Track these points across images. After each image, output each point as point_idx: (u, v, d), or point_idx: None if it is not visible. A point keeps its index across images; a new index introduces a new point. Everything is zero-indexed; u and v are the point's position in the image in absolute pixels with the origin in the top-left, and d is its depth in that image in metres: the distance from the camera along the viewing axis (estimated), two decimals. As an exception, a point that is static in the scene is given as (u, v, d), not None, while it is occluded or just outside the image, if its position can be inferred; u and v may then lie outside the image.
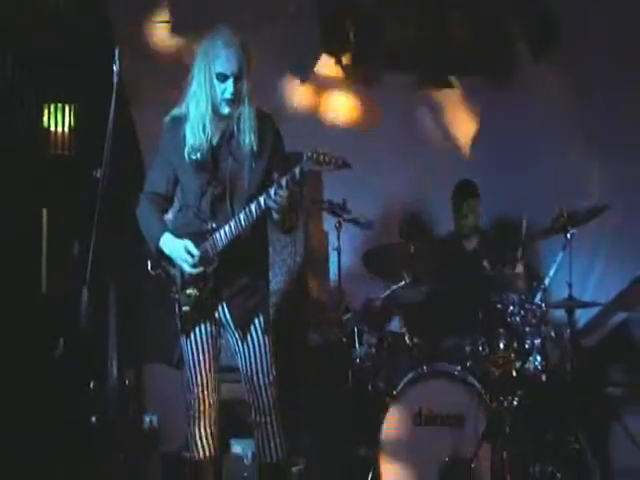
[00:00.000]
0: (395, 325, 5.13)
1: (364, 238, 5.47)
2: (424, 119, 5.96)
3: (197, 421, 3.92)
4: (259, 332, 3.84)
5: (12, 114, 5.10)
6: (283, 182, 3.59)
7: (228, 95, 3.69)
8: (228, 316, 3.84)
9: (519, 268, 5.43)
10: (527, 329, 4.63)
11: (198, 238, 3.78)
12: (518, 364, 4.59)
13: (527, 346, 4.61)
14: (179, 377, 4.23)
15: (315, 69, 5.87)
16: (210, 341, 3.90)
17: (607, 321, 5.73)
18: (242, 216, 3.69)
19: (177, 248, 3.78)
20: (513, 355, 4.62)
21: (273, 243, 5.21)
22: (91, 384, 4.69)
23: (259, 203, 3.65)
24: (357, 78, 5.93)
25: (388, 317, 5.26)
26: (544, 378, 4.66)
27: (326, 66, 5.90)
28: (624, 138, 5.80)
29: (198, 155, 3.78)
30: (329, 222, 5.31)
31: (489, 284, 5.19)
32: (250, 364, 3.83)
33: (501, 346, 4.64)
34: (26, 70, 5.12)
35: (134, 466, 4.77)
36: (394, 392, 4.56)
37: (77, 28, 5.46)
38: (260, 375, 3.83)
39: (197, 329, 3.87)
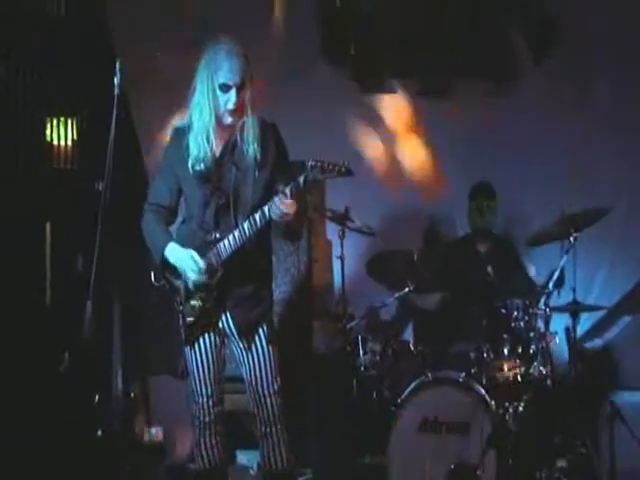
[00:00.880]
0: (408, 333, 5.13)
1: (367, 245, 5.47)
2: (426, 124, 5.96)
3: (202, 432, 3.92)
4: (263, 341, 3.84)
5: (15, 128, 5.11)
6: (287, 191, 3.59)
7: (231, 106, 3.70)
8: (232, 326, 3.84)
9: (523, 274, 5.46)
10: (531, 334, 4.63)
11: (202, 249, 3.78)
12: (523, 369, 4.59)
13: (532, 351, 4.61)
14: (184, 388, 4.23)
15: (316, 77, 5.88)
16: (214, 352, 3.90)
17: (612, 325, 5.73)
18: (246, 225, 3.69)
19: (183, 257, 3.78)
20: (518, 361, 4.62)
21: (276, 252, 5.22)
22: (96, 397, 4.69)
23: (263, 212, 3.66)
24: (359, 85, 5.94)
25: (400, 326, 5.27)
26: (549, 383, 4.65)
27: (327, 74, 5.91)
28: (627, 140, 5.80)
29: (202, 166, 3.78)
30: (332, 230, 5.31)
31: (493, 290, 5.19)
32: (254, 374, 3.83)
33: (505, 352, 4.64)
34: (28, 83, 5.14)
35: (140, 478, 4.77)
36: (399, 400, 4.55)
37: (79, 41, 5.47)
38: (264, 385, 3.83)
39: (201, 340, 3.87)
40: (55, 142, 5.41)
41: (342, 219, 4.99)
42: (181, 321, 3.86)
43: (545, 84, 5.86)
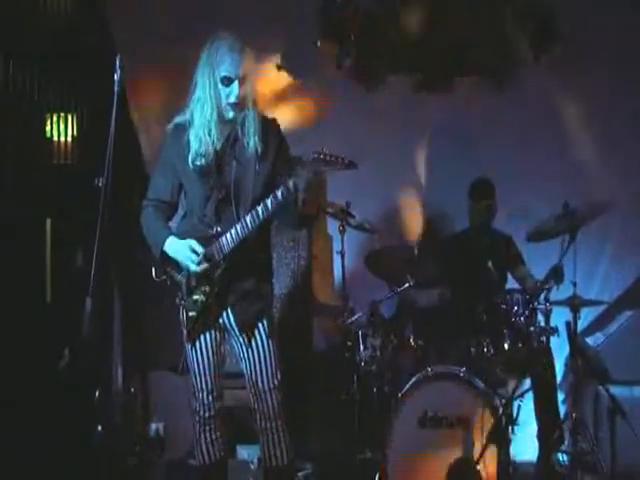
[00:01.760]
0: (408, 329, 5.13)
1: (368, 241, 5.47)
2: (426, 119, 5.96)
3: (202, 427, 3.92)
4: (263, 337, 3.84)
5: (15, 124, 5.11)
6: (291, 183, 3.60)
7: (233, 99, 3.70)
8: (232, 321, 3.84)
9: (523, 269, 5.46)
10: (532, 329, 4.63)
11: (204, 243, 3.78)
12: (523, 364, 4.59)
13: (532, 346, 4.60)
14: (184, 384, 4.23)
15: (316, 70, 5.88)
16: (215, 347, 3.89)
17: (612, 319, 5.73)
18: (248, 219, 3.69)
19: (181, 248, 3.78)
20: (518, 355, 4.62)
21: (277, 247, 5.23)
22: (96, 393, 4.69)
23: (266, 205, 3.66)
24: (359, 79, 5.94)
25: (401, 321, 5.27)
26: (549, 378, 4.66)
27: (328, 68, 5.91)
28: (627, 137, 5.79)
29: (202, 160, 3.78)
30: (333, 225, 5.31)
31: (493, 285, 5.19)
32: (254, 369, 3.83)
33: (506, 347, 4.64)
34: (29, 79, 5.14)
35: (140, 474, 4.77)
36: (399, 395, 4.55)
37: (79, 37, 5.47)
38: (265, 380, 3.83)
39: (202, 335, 3.87)
40: (55, 138, 5.41)
41: (343, 215, 4.99)
42: (182, 316, 3.86)
43: (545, 79, 5.86)
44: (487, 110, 5.88)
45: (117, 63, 3.67)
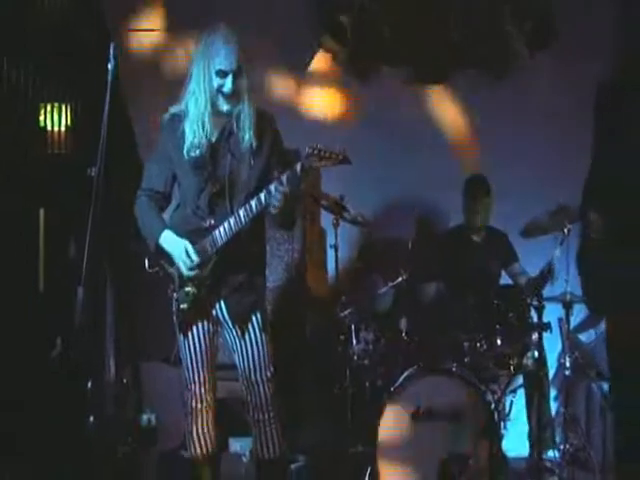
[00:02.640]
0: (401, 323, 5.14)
1: (361, 235, 5.47)
2: (421, 114, 5.95)
3: (195, 419, 3.93)
4: (256, 329, 3.84)
5: (8, 113, 5.08)
6: (284, 178, 3.60)
7: (227, 91, 3.70)
8: (225, 313, 3.84)
9: (516, 264, 5.46)
10: (524, 325, 4.64)
11: (196, 235, 3.78)
12: (516, 360, 4.60)
13: (525, 342, 4.62)
14: (177, 375, 4.22)
15: (313, 65, 5.86)
16: (208, 339, 3.90)
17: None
18: (242, 212, 3.69)
19: (177, 248, 3.77)
20: (510, 351, 4.63)
21: (270, 240, 5.21)
22: (89, 383, 4.68)
23: (259, 200, 3.66)
24: (355, 74, 5.92)
25: (394, 315, 5.27)
26: (541, 374, 4.67)
27: (323, 62, 5.89)
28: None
29: (197, 152, 3.78)
30: (327, 218, 5.30)
31: (487, 280, 5.20)
32: (247, 361, 3.84)
33: (499, 342, 4.65)
34: (22, 69, 5.11)
35: (132, 464, 4.77)
36: (392, 389, 4.55)
37: (74, 26, 5.45)
38: (257, 372, 3.83)
39: (194, 327, 3.87)
40: (49, 128, 5.38)
41: (337, 208, 4.98)
42: (174, 308, 3.86)
43: (541, 76, 5.85)
44: (482, 105, 5.87)
45: (111, 52, 3.65)
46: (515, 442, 4.92)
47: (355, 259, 5.56)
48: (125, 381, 4.93)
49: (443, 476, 4.34)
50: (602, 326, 5.62)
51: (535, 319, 4.59)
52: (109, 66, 3.66)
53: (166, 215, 3.96)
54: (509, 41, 5.85)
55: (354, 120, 5.84)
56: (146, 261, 3.89)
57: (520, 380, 4.92)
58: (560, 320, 5.00)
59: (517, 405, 4.88)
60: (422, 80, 5.94)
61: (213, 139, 3.80)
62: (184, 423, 3.98)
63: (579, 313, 5.48)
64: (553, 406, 5.29)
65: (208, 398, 3.92)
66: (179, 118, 3.81)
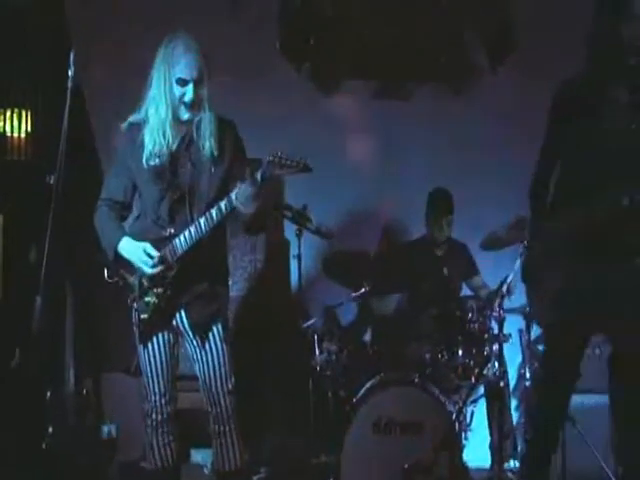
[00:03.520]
0: (366, 334, 5.14)
1: (324, 245, 5.46)
2: (383, 125, 5.97)
3: (155, 431, 3.88)
4: (217, 339, 3.81)
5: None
6: (244, 187, 3.57)
7: (187, 100, 3.67)
8: (186, 323, 3.81)
9: (477, 277, 5.50)
10: (485, 336, 4.67)
11: (157, 244, 3.74)
12: (477, 371, 4.63)
13: (485, 353, 4.65)
14: (138, 386, 4.18)
15: (274, 76, 5.86)
16: (168, 349, 3.86)
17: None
18: (202, 221, 3.66)
19: (135, 250, 3.74)
20: (472, 362, 4.65)
21: (233, 250, 5.20)
22: (48, 394, 4.63)
23: (220, 208, 3.63)
24: (318, 83, 5.93)
25: (356, 326, 5.28)
26: (502, 384, 4.70)
27: (285, 74, 5.89)
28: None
29: (157, 161, 3.74)
30: (289, 228, 5.30)
31: (448, 291, 5.23)
32: (208, 372, 3.80)
33: (460, 353, 4.67)
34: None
35: (92, 476, 4.72)
36: (354, 400, 4.55)
37: (34, 30, 5.39)
38: (218, 383, 3.80)
39: (155, 337, 3.83)
40: (8, 133, 5.32)
41: (301, 219, 4.97)
42: (135, 318, 3.82)
43: (502, 86, 5.90)
44: (442, 116, 5.90)
45: (71, 59, 3.62)
46: (476, 452, 4.94)
47: (318, 270, 5.55)
48: (85, 391, 4.88)
49: (405, 486, 4.34)
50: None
51: (496, 330, 4.62)
52: (69, 72, 3.63)
53: (127, 225, 3.92)
54: (470, 53, 5.90)
55: (317, 129, 5.84)
56: (105, 271, 3.85)
57: (481, 390, 4.95)
58: (520, 331, 5.05)
59: (478, 415, 4.90)
60: (384, 90, 5.96)
61: (173, 147, 3.77)
62: (144, 434, 3.94)
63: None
64: (514, 416, 5.33)
65: (168, 409, 3.87)
66: (138, 127, 3.77)
